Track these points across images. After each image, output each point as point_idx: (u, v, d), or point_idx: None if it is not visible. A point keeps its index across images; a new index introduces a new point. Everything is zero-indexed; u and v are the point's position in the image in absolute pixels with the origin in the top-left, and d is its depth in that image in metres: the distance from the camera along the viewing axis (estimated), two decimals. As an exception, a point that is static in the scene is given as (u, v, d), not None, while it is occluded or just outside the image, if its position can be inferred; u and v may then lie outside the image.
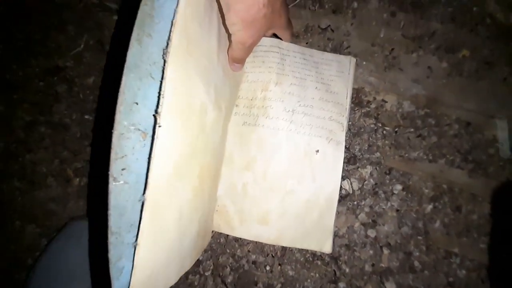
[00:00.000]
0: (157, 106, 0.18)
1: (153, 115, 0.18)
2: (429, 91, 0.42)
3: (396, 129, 0.42)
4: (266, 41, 0.41)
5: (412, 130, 0.42)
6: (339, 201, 0.40)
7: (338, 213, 0.40)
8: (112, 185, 0.18)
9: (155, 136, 0.18)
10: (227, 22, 0.25)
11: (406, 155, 0.42)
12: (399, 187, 0.41)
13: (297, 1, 0.45)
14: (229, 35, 0.27)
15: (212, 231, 0.40)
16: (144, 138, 0.19)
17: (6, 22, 0.48)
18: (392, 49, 0.43)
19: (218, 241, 0.41)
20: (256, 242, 0.40)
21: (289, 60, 0.41)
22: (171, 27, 0.18)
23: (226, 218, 0.39)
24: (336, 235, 0.40)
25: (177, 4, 0.19)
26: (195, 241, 0.29)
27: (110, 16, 0.47)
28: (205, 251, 0.41)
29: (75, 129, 0.45)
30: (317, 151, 0.39)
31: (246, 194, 0.39)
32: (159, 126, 0.18)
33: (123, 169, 0.18)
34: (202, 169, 0.27)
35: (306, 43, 0.44)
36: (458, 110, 0.42)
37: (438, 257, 0.40)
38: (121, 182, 0.18)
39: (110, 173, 0.18)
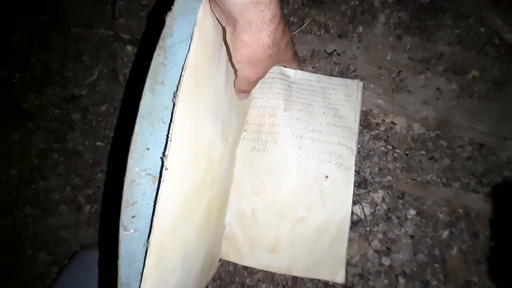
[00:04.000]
0: (165, 149, 0.19)
1: (161, 158, 0.19)
2: (439, 113, 0.42)
3: (407, 152, 0.42)
4: (274, 68, 0.41)
5: (423, 152, 0.41)
6: (351, 227, 0.39)
7: (350, 240, 0.39)
8: (123, 235, 0.18)
9: (162, 179, 0.18)
10: (233, 60, 0.26)
11: (419, 178, 0.41)
12: (412, 212, 0.40)
13: (302, 27, 0.46)
14: (235, 70, 0.28)
15: (220, 259, 0.40)
16: (154, 182, 0.19)
17: (25, 52, 0.50)
18: (399, 71, 0.43)
19: (227, 269, 0.41)
20: (266, 270, 0.40)
21: (296, 87, 0.42)
22: (182, 71, 0.19)
23: (235, 246, 0.39)
24: (348, 263, 0.39)
25: (188, 51, 0.19)
26: (200, 277, 0.29)
27: (124, 46, 0.49)
28: (214, 280, 0.40)
29: (87, 156, 0.46)
30: (327, 177, 0.39)
31: (256, 221, 0.39)
32: (166, 169, 0.19)
33: (133, 217, 0.18)
34: (209, 203, 0.27)
35: (313, 68, 0.45)
36: (470, 132, 0.41)
37: (457, 286, 0.38)
38: (131, 230, 0.18)
39: (120, 222, 0.18)
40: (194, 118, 0.21)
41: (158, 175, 0.19)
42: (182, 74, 0.19)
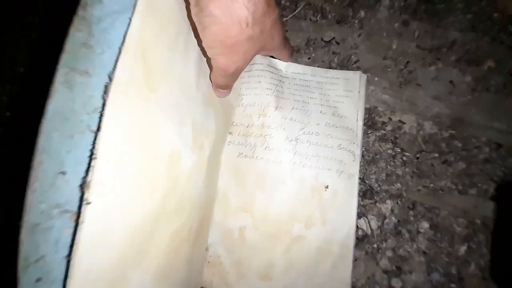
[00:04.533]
0: (86, 173, 0.12)
1: (79, 187, 0.12)
2: (453, 110, 0.37)
3: (418, 155, 0.36)
4: (262, 59, 0.35)
5: (436, 155, 0.36)
6: (356, 244, 0.34)
7: (355, 259, 0.33)
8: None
9: (80, 220, 0.12)
10: (203, 45, 0.19)
11: (431, 185, 0.36)
12: (425, 224, 0.35)
13: (296, 12, 0.40)
14: (208, 59, 0.21)
15: (204, 288, 0.33)
16: (75, 222, 0.13)
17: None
18: (407, 62, 0.38)
19: (212, 299, 0.34)
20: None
21: (288, 81, 0.35)
22: (118, 55, 0.13)
23: (220, 272, 0.32)
24: (354, 287, 0.33)
25: (129, 25, 0.13)
26: None
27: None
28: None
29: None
30: (327, 187, 0.33)
31: (244, 242, 0.33)
32: (87, 203, 0.12)
33: (37, 281, 0.12)
34: (175, 234, 0.20)
35: (308, 59, 0.39)
36: (487, 131, 0.36)
37: (477, 308, 0.33)
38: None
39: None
40: (142, 122, 0.15)
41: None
42: (118, 59, 0.13)
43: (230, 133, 0.35)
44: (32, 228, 0.12)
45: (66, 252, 0.12)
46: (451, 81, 0.37)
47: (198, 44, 0.21)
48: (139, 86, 0.14)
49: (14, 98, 0.32)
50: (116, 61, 0.13)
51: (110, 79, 0.13)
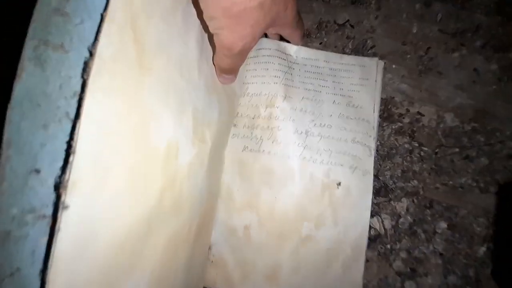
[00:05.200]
0: (63, 170, 0.10)
1: (54, 187, 0.10)
2: (476, 101, 0.34)
3: (437, 150, 0.34)
4: (269, 43, 0.32)
5: (456, 150, 0.34)
6: (368, 244, 0.32)
7: (367, 260, 0.31)
8: None
9: (56, 228, 0.10)
10: (204, 16, 0.16)
11: (451, 182, 0.33)
12: (443, 224, 0.33)
13: (306, -8, 0.36)
14: (210, 36, 0.18)
15: (206, 289, 0.32)
16: (50, 230, 0.11)
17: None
18: (428, 48, 0.35)
19: (215, 300, 0.33)
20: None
21: (299, 68, 0.32)
22: (100, 24, 0.10)
23: (223, 272, 0.31)
24: (365, 289, 0.32)
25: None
26: None
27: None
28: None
29: None
30: (339, 184, 0.30)
31: (249, 241, 0.31)
32: (64, 208, 0.10)
33: None
34: (173, 235, 0.18)
35: (320, 44, 0.36)
36: (513, 124, 0.34)
37: (495, 312, 0.31)
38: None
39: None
40: (132, 108, 0.12)
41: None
42: (100, 29, 0.10)
43: (235, 125, 0.33)
44: (3, 236, 0.10)
45: (42, 264, 0.10)
46: (475, 69, 0.34)
47: (198, 17, 0.18)
48: (128, 63, 0.12)
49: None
50: (98, 31, 0.10)
51: (91, 53, 0.10)
